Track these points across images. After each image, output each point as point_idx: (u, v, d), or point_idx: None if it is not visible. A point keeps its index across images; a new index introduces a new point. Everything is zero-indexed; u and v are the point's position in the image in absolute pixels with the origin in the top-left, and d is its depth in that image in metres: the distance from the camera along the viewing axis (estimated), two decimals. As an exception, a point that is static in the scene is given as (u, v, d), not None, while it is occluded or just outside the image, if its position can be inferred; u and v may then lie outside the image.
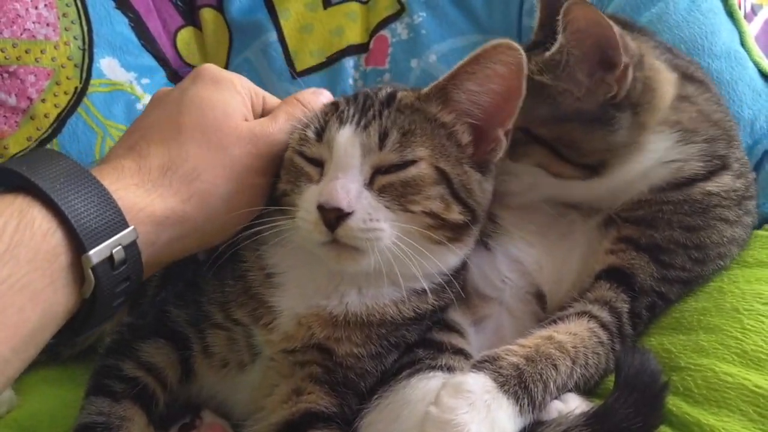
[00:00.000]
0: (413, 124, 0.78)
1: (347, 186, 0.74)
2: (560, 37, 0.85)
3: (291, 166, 0.82)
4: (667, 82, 0.92)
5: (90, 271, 0.65)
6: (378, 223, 0.74)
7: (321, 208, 0.74)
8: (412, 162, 0.77)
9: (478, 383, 0.71)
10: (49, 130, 1.31)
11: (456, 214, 0.79)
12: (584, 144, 0.88)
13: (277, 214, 0.80)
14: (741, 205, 0.93)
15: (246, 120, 0.83)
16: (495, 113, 0.81)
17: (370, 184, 0.77)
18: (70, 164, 0.68)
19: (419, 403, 0.75)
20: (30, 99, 1.30)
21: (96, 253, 0.65)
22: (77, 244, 0.65)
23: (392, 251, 0.75)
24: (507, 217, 0.95)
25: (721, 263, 0.92)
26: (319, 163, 0.80)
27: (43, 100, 1.31)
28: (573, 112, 0.87)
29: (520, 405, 0.71)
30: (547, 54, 0.87)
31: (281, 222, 0.79)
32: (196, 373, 0.88)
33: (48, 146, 1.30)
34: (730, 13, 1.22)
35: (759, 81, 1.13)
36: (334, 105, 0.84)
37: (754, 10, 1.62)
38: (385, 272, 0.77)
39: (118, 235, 0.67)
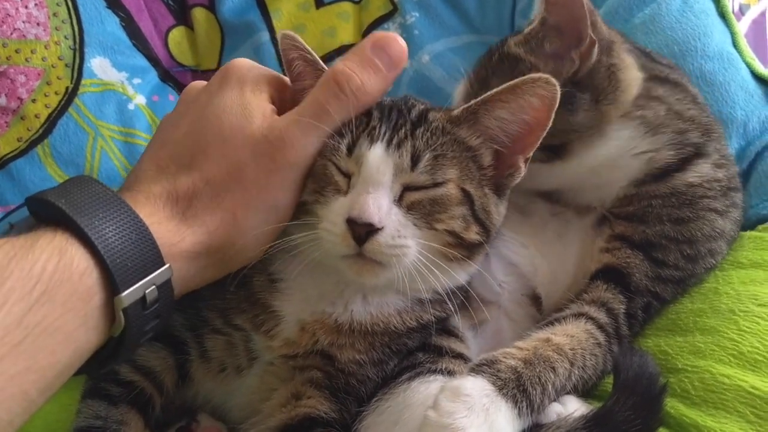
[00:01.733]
0: (444, 146, 0.79)
1: (379, 202, 0.74)
2: (539, 8, 0.89)
3: (322, 174, 0.79)
4: (632, 78, 0.94)
5: (121, 313, 0.64)
6: (405, 240, 0.74)
7: (351, 222, 0.74)
8: (441, 183, 0.77)
9: (476, 387, 0.71)
10: (40, 131, 1.29)
11: (474, 234, 0.80)
12: None
13: (294, 229, 0.79)
14: (727, 195, 0.95)
15: (264, 118, 0.78)
16: (519, 141, 0.82)
17: (399, 201, 0.77)
18: (109, 195, 0.67)
19: (419, 406, 0.75)
20: (20, 99, 1.29)
21: (128, 295, 0.64)
22: (111, 284, 0.64)
23: (414, 267, 0.76)
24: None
25: (712, 261, 0.93)
26: (347, 175, 0.79)
27: (33, 101, 1.30)
28: None
29: (519, 408, 0.71)
30: (528, 27, 0.91)
31: (302, 236, 0.78)
32: (193, 378, 0.88)
33: (39, 147, 1.28)
34: (722, 14, 1.23)
35: (751, 82, 1.14)
36: (367, 115, 0.82)
37: (742, 10, 1.63)
38: (402, 286, 0.77)
39: (152, 275, 0.66)
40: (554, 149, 0.90)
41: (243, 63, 0.83)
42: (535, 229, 0.97)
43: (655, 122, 0.93)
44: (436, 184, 0.77)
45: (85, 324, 0.62)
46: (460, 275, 0.83)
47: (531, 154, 0.83)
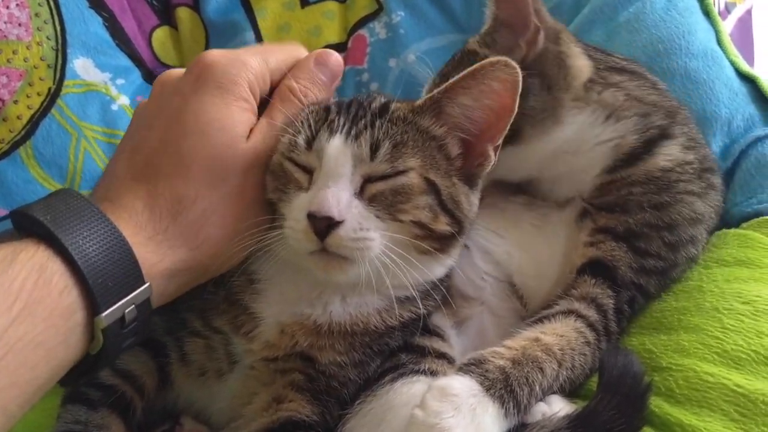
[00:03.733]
0: (405, 135, 0.78)
1: (338, 195, 0.73)
2: (489, 6, 0.94)
3: (280, 171, 0.80)
4: (581, 65, 0.96)
5: (100, 332, 0.65)
6: (368, 233, 0.74)
7: (311, 217, 0.73)
8: (403, 172, 0.77)
9: (464, 387, 0.70)
10: (23, 132, 1.28)
11: (443, 225, 0.79)
12: None
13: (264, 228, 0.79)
14: (702, 177, 0.95)
15: (247, 136, 0.79)
16: (486, 129, 0.81)
17: (360, 193, 0.76)
18: (94, 212, 0.67)
19: (403, 407, 0.74)
20: (2, 100, 1.27)
21: (108, 315, 0.65)
22: (91, 303, 0.64)
23: (381, 261, 0.74)
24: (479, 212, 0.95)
25: (693, 250, 0.93)
26: (308, 170, 0.79)
27: (15, 102, 1.28)
28: None
29: (506, 409, 0.71)
30: (484, 28, 0.95)
31: (270, 236, 0.78)
32: (174, 381, 0.87)
33: (21, 148, 1.27)
34: (707, 12, 1.23)
35: (735, 80, 1.14)
36: (326, 110, 0.82)
37: (728, 9, 1.64)
38: (372, 281, 0.76)
39: (132, 295, 0.66)
40: (508, 134, 0.89)
41: (217, 62, 0.80)
42: (510, 221, 0.97)
43: (614, 107, 0.94)
44: (398, 173, 0.76)
45: (65, 341, 0.63)
46: (435, 269, 0.83)
47: (500, 141, 0.82)
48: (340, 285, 0.80)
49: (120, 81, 1.40)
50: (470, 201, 0.84)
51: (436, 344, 0.86)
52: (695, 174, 0.94)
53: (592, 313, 0.85)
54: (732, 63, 1.16)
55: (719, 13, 1.47)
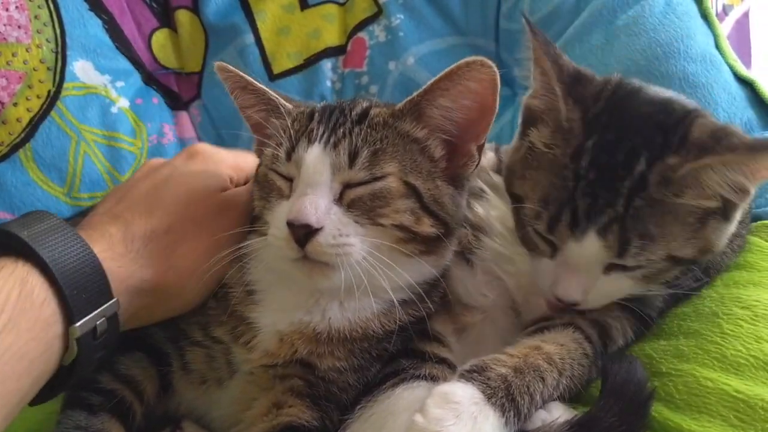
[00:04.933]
0: (385, 141, 0.78)
1: (316, 202, 0.74)
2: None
3: (264, 182, 0.82)
4: None
5: (74, 342, 0.68)
6: (347, 239, 0.74)
7: (290, 225, 0.73)
8: (381, 177, 0.77)
9: (466, 394, 0.70)
10: (22, 135, 1.28)
11: (427, 227, 0.79)
12: None
13: (253, 234, 0.82)
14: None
15: (225, 188, 0.89)
16: (468, 129, 0.81)
17: (339, 200, 0.76)
18: (67, 230, 0.71)
19: (404, 413, 0.74)
20: (1, 103, 1.27)
21: (82, 325, 0.68)
22: (68, 315, 0.67)
23: (363, 266, 0.75)
24: (490, 233, 0.95)
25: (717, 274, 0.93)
26: (290, 179, 0.80)
27: (15, 104, 1.28)
28: None
29: (506, 417, 0.71)
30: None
31: (254, 241, 0.81)
32: (175, 388, 0.88)
33: (21, 151, 1.27)
34: (705, 16, 1.23)
35: (734, 84, 1.14)
36: (309, 117, 0.83)
37: (726, 11, 1.64)
38: (359, 286, 0.77)
39: (102, 308, 0.70)
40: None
41: (207, 146, 0.95)
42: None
43: None
44: (376, 179, 0.77)
45: (45, 352, 0.66)
46: (423, 271, 0.83)
47: (484, 140, 0.82)
48: (330, 290, 0.80)
49: (119, 83, 1.41)
50: (456, 202, 0.83)
51: (437, 349, 0.86)
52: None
53: (592, 333, 0.84)
54: (730, 67, 1.16)
55: (717, 15, 1.47)
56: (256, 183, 0.84)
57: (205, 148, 0.93)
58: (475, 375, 0.73)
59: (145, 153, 1.41)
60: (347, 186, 0.76)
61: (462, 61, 0.76)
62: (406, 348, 0.86)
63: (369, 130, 0.79)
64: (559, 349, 0.79)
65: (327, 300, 0.82)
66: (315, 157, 0.77)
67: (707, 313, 0.84)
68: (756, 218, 1.02)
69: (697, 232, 0.76)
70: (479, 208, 0.96)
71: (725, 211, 0.77)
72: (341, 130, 0.79)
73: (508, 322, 0.93)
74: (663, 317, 0.89)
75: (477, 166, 0.84)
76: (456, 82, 0.77)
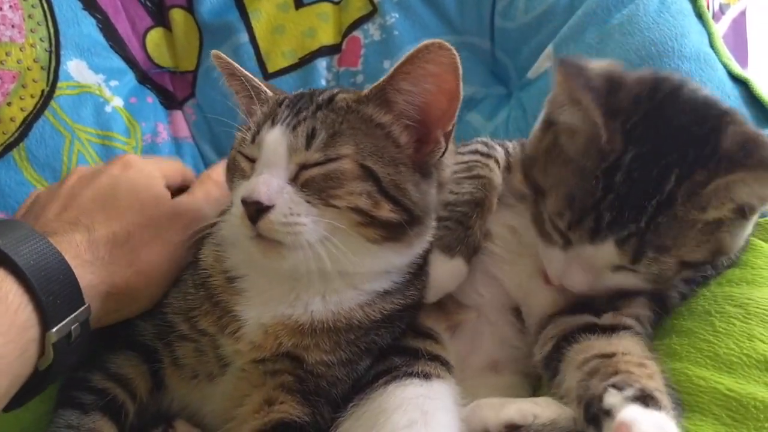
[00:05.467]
0: (345, 124, 0.79)
1: (269, 181, 0.76)
2: None
3: (233, 164, 0.86)
4: None
5: (51, 347, 0.71)
6: (298, 218, 0.75)
7: (244, 202, 0.75)
8: (335, 159, 0.78)
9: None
10: (16, 134, 1.28)
11: (387, 212, 0.78)
12: None
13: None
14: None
15: (170, 199, 0.95)
16: (432, 114, 0.81)
17: (294, 180, 0.77)
18: (39, 238, 0.74)
19: (396, 411, 0.74)
20: (-5, 102, 1.27)
21: (58, 331, 0.71)
22: (43, 320, 0.70)
23: (322, 248, 0.76)
24: (489, 233, 0.94)
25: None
26: (253, 161, 0.82)
27: (8, 104, 1.28)
28: None
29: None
30: None
31: (219, 220, 0.85)
32: (167, 385, 0.88)
33: (15, 150, 1.27)
34: (699, 15, 1.23)
35: (728, 83, 1.14)
36: (279, 103, 0.85)
37: (722, 9, 1.64)
38: (325, 272, 0.79)
39: (75, 313, 0.73)
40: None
41: (136, 157, 1.02)
42: (526, 247, 0.94)
43: None
44: (330, 160, 0.78)
45: (23, 354, 0.68)
46: (392, 258, 0.83)
47: (451, 128, 0.82)
48: (292, 273, 0.81)
49: (114, 83, 1.40)
50: (421, 189, 0.82)
51: (430, 346, 0.86)
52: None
53: (641, 329, 0.84)
54: (724, 65, 1.15)
55: (713, 14, 1.47)
56: (227, 166, 0.87)
57: (136, 159, 0.98)
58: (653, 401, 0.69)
59: (139, 152, 1.41)
60: (303, 167, 0.77)
61: (421, 44, 0.77)
62: (398, 345, 0.86)
63: (330, 114, 0.80)
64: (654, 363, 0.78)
65: (309, 295, 0.83)
66: (274, 139, 0.78)
67: (700, 312, 0.84)
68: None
69: (710, 237, 0.76)
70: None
71: (744, 212, 0.76)
72: (303, 114, 0.80)
73: (504, 322, 0.93)
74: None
75: (444, 153, 0.84)
76: (416, 65, 0.78)
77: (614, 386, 0.71)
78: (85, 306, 0.75)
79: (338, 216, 0.76)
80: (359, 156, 0.78)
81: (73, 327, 0.73)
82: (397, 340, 0.86)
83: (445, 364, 0.84)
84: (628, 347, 0.78)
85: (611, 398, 0.69)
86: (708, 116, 0.77)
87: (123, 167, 0.95)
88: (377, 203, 0.78)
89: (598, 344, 0.80)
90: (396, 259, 0.84)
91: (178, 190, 1.02)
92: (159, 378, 0.88)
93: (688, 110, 0.78)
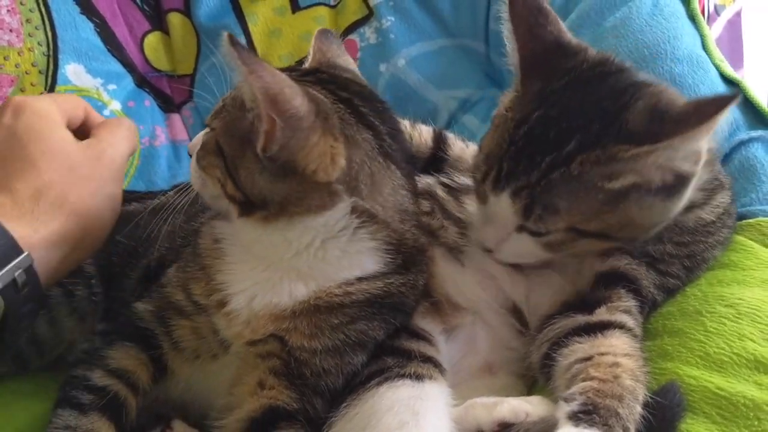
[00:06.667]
0: (228, 101, 0.84)
1: (199, 137, 0.90)
2: None
3: None
4: None
5: None
6: (197, 171, 0.86)
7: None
8: (209, 131, 0.86)
9: None
10: (14, 138, 1.29)
11: (231, 190, 0.82)
12: None
13: None
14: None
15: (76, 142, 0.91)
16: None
17: None
18: None
19: (387, 412, 0.75)
20: (-6, 107, 1.28)
21: (1, 277, 0.74)
22: None
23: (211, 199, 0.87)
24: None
25: (706, 266, 0.93)
26: None
27: (7, 108, 1.29)
28: None
29: None
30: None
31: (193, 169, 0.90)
32: (170, 369, 0.88)
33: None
34: (692, 17, 1.24)
35: (721, 85, 1.15)
36: None
37: (717, 11, 1.65)
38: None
39: (15, 261, 0.76)
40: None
41: (27, 99, 0.93)
42: None
43: None
44: (207, 132, 0.87)
45: None
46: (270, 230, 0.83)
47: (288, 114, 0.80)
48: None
49: (112, 86, 1.42)
50: (254, 178, 0.80)
51: (423, 348, 0.86)
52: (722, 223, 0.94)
53: (634, 325, 0.84)
54: (717, 68, 1.16)
55: (709, 15, 1.48)
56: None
57: (25, 99, 0.92)
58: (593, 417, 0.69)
59: (137, 156, 1.42)
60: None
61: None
62: (391, 346, 0.86)
63: (232, 94, 0.85)
64: (635, 362, 0.77)
65: (291, 280, 0.84)
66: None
67: (691, 312, 0.85)
68: (741, 217, 1.02)
69: (613, 208, 0.78)
70: (469, 205, 0.97)
71: (650, 186, 0.78)
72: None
73: (502, 323, 0.93)
74: (648, 319, 0.89)
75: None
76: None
77: (566, 399, 0.72)
78: (24, 255, 0.77)
79: (212, 182, 0.85)
80: (220, 131, 0.83)
81: (17, 273, 0.76)
82: (391, 341, 0.86)
83: (437, 365, 0.84)
84: (612, 346, 0.79)
85: (558, 412, 0.71)
86: (624, 94, 0.80)
87: (14, 113, 0.89)
88: (226, 180, 0.82)
89: (582, 348, 0.80)
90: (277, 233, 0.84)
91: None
92: (161, 364, 0.87)
93: (609, 88, 0.82)
